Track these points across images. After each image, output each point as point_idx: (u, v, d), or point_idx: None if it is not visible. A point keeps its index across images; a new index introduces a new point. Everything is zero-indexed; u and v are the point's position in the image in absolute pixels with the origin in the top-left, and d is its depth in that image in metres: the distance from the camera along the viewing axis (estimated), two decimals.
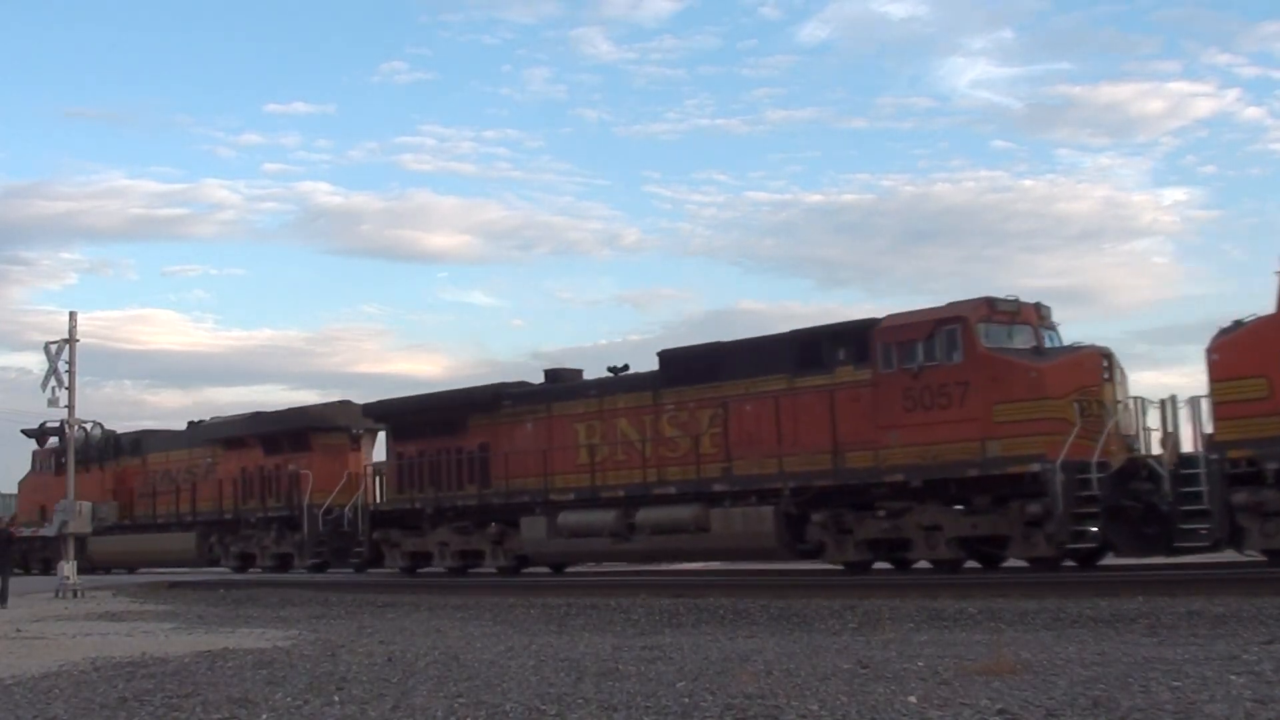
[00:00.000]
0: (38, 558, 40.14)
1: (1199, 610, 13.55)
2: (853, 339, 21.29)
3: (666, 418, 24.09)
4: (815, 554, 22.21)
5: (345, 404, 33.12)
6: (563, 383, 27.23)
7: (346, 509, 30.04)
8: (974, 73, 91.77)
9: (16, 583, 26.65)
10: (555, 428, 26.09)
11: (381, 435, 31.79)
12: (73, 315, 28.86)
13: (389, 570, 29.57)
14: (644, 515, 23.88)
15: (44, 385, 28.64)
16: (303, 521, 31.14)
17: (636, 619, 16.90)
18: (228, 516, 34.20)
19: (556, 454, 25.70)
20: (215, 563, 35.11)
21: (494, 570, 27.60)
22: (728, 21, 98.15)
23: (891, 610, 15.05)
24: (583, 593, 20.75)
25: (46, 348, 28.84)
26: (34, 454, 40.37)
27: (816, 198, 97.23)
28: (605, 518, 24.51)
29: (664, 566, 29.21)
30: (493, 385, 27.84)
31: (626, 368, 25.93)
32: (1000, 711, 7.29)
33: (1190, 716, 7.04)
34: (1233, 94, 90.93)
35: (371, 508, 29.73)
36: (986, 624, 13.82)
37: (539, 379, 29.11)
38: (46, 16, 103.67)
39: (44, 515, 38.04)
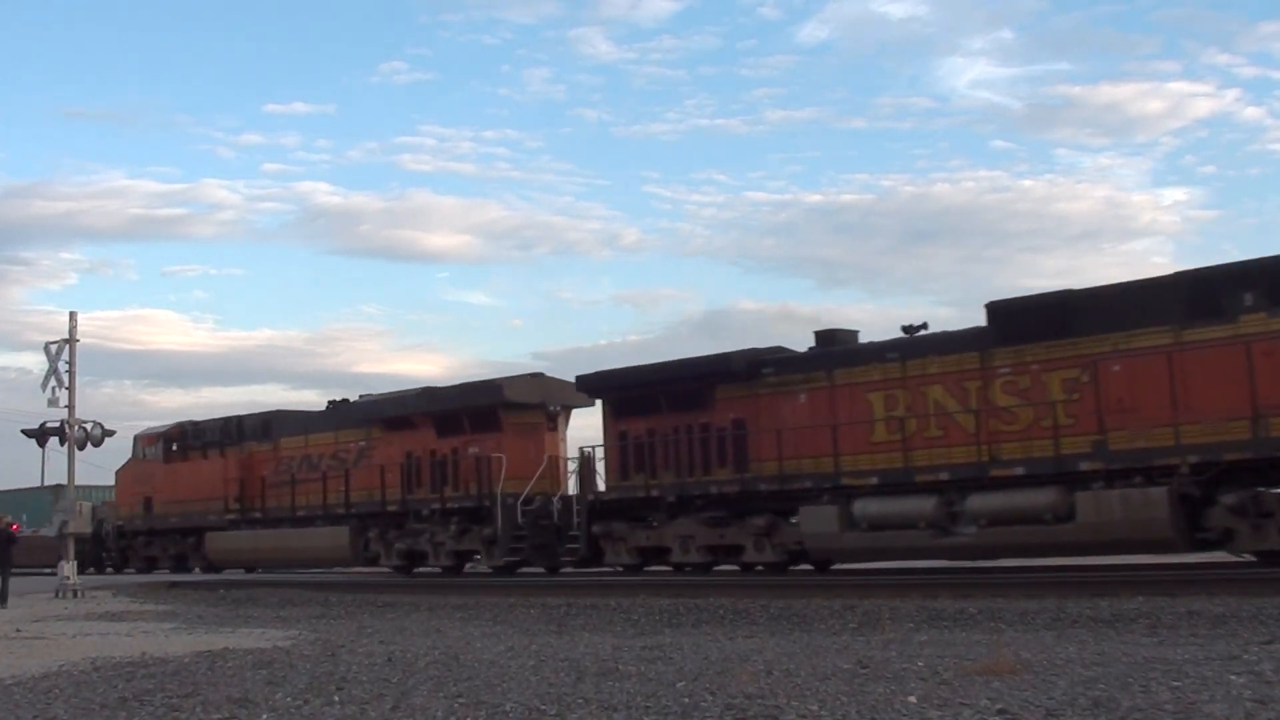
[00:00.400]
0: (140, 555, 36.51)
1: (1199, 610, 13.56)
2: (1266, 279, 17.71)
3: (1001, 383, 20.03)
4: (1219, 543, 18.38)
5: (539, 377, 28.48)
6: (841, 345, 22.90)
7: (555, 499, 26.13)
8: (973, 73, 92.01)
9: (16, 583, 26.64)
10: (840, 399, 21.86)
11: (575, 414, 28.43)
12: (73, 315, 28.87)
13: (608, 568, 25.45)
14: (978, 502, 19.80)
15: (44, 385, 28.63)
16: (495, 513, 26.28)
17: (636, 619, 16.90)
18: (392, 508, 28.91)
19: (845, 430, 21.52)
20: (373, 562, 30.10)
21: (738, 568, 23.92)
22: (727, 22, 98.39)
23: (891, 610, 15.05)
24: (583, 593, 20.74)
25: (46, 348, 28.83)
26: (135, 439, 36.18)
27: (816, 198, 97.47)
28: (922, 506, 20.39)
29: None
30: (746, 351, 23.56)
31: (925, 326, 21.81)
32: (1000, 711, 7.29)
33: (1190, 716, 7.04)
34: (1232, 94, 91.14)
35: (591, 496, 25.20)
36: (986, 624, 13.82)
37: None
38: (46, 16, 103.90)
39: (149, 507, 35.24)
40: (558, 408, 28.08)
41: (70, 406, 28.78)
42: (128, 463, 36.54)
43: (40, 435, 29.74)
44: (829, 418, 21.84)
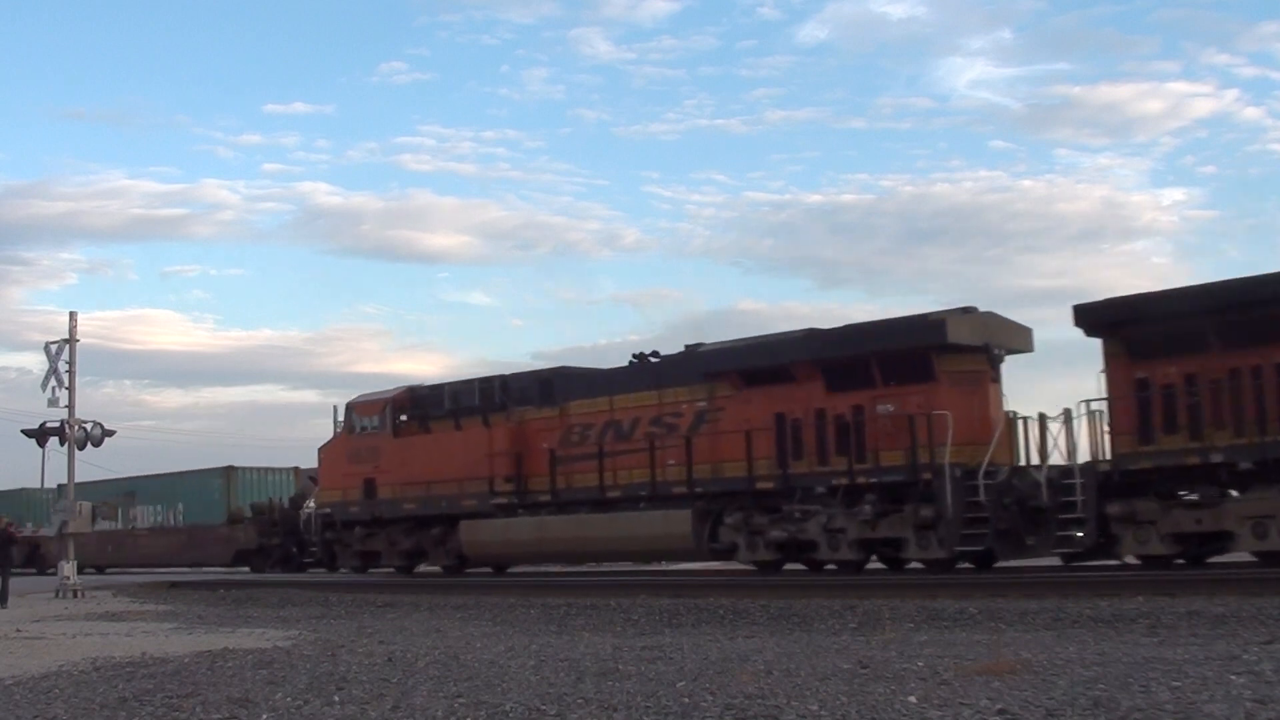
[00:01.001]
0: (355, 549, 29.31)
1: (1199, 610, 13.56)
2: None
3: None
4: None
5: (974, 313, 21.55)
6: None
7: (1043, 471, 19.94)
8: (973, 73, 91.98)
9: (16, 583, 26.64)
10: None
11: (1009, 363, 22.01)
12: (73, 315, 28.92)
13: (1122, 563, 19.41)
14: None
15: (44, 385, 28.69)
16: (944, 489, 19.88)
17: (636, 619, 16.89)
18: (764, 486, 22.41)
19: None
20: (725, 554, 23.49)
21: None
22: (726, 22, 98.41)
23: (891, 610, 15.03)
24: (583, 593, 20.72)
25: (46, 348, 28.87)
26: (349, 408, 29.61)
27: (816, 198, 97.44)
28: None
29: (666, 566, 28.75)
30: None
31: None
32: (1000, 711, 7.28)
33: (1190, 716, 7.04)
34: (1231, 94, 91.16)
35: (1106, 465, 19.08)
36: (986, 624, 13.81)
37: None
38: (46, 16, 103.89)
39: (371, 491, 28.57)
40: (1001, 352, 21.64)
41: (70, 406, 28.80)
42: (336, 437, 29.96)
43: (40, 435, 29.73)
44: None
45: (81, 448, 29.55)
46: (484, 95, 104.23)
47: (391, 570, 29.21)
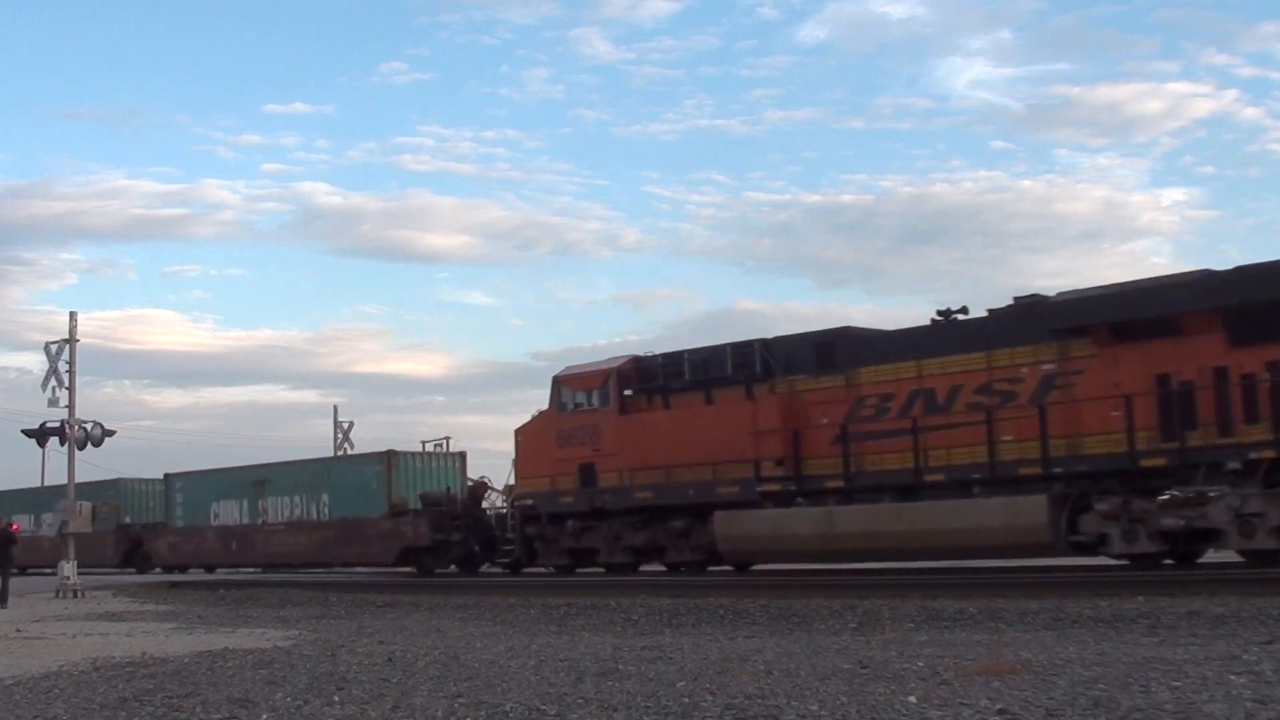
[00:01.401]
0: (563, 546, 25.65)
1: (1199, 610, 13.56)
2: None
3: None
4: None
5: None
6: None
7: None
8: (972, 73, 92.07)
9: (16, 583, 26.65)
10: None
11: None
12: (73, 315, 28.98)
13: None
14: None
15: (44, 385, 28.76)
16: None
17: (636, 619, 16.89)
18: (1150, 462, 18.51)
19: None
20: (1087, 548, 19.49)
21: None
22: (726, 22, 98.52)
23: (891, 610, 15.03)
24: (583, 593, 20.72)
25: (46, 348, 28.93)
26: (557, 382, 25.93)
27: (815, 198, 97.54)
28: None
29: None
30: None
31: None
32: (1000, 711, 7.28)
33: (1190, 716, 7.04)
34: (1231, 94, 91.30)
35: None
36: (986, 624, 13.81)
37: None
38: (46, 16, 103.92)
39: (589, 479, 24.83)
40: None
41: (70, 406, 28.83)
42: (539, 417, 26.36)
43: (40, 435, 29.74)
44: None
45: (81, 448, 29.57)
46: (484, 95, 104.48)
47: (602, 570, 25.32)
